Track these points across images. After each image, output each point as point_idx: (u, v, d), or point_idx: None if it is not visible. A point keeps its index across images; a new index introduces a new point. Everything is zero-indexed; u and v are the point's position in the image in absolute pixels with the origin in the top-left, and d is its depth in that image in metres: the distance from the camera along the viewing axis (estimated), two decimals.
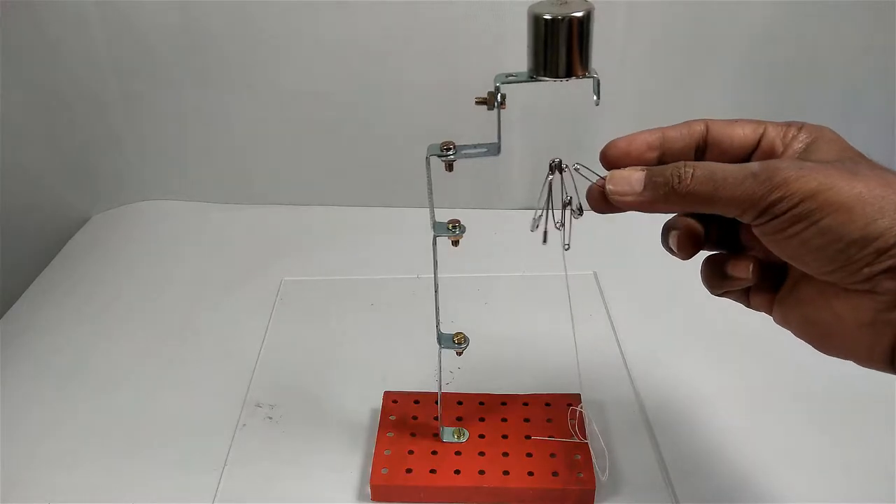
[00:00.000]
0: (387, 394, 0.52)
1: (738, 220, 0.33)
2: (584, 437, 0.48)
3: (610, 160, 0.36)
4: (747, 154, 0.36)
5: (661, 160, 0.36)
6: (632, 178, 0.35)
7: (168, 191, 0.83)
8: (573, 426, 0.48)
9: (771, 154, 0.35)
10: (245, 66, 0.74)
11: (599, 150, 0.37)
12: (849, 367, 0.57)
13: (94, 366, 0.59)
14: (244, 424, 0.53)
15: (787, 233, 0.31)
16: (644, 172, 0.34)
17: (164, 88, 0.75)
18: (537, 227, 0.38)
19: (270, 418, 0.53)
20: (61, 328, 0.64)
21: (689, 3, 0.68)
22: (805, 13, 0.69)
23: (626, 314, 0.63)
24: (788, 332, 0.63)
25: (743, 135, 0.36)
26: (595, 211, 0.37)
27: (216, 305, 0.67)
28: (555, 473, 0.46)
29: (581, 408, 0.49)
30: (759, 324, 0.62)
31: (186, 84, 0.75)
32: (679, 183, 0.33)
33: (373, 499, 0.46)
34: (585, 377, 0.48)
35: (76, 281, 0.71)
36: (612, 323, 0.62)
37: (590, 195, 0.36)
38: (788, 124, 0.35)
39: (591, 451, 0.47)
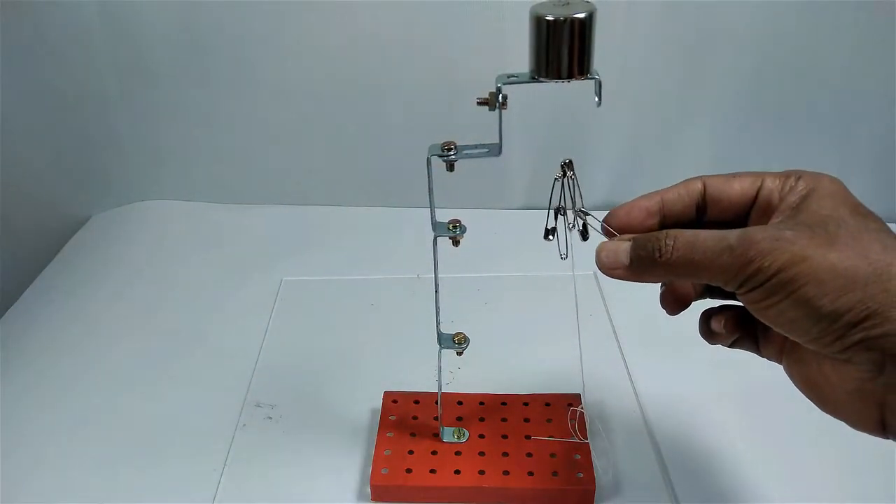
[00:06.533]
0: (387, 394, 0.52)
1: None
2: (584, 437, 0.48)
3: (612, 229, 0.37)
4: (747, 208, 0.36)
5: (663, 224, 0.36)
6: (619, 251, 0.35)
7: (168, 191, 0.83)
8: (573, 426, 0.48)
9: (768, 207, 0.35)
10: (245, 65, 0.74)
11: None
12: None
13: (93, 366, 0.59)
14: (244, 424, 0.53)
15: (766, 303, 0.31)
16: (630, 244, 0.34)
17: (164, 88, 0.75)
18: (550, 237, 0.38)
19: (270, 418, 0.53)
20: (61, 328, 0.64)
21: (689, 3, 0.68)
22: (807, 12, 0.69)
23: (626, 314, 0.63)
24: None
25: (741, 190, 0.35)
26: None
27: (216, 305, 0.67)
28: (555, 473, 0.46)
29: (581, 408, 0.49)
30: None
31: (186, 84, 0.75)
32: (660, 256, 0.33)
33: (373, 499, 0.46)
34: (586, 377, 0.48)
35: (76, 281, 0.71)
36: (612, 323, 0.62)
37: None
38: (787, 175, 0.35)
39: (592, 451, 0.47)
